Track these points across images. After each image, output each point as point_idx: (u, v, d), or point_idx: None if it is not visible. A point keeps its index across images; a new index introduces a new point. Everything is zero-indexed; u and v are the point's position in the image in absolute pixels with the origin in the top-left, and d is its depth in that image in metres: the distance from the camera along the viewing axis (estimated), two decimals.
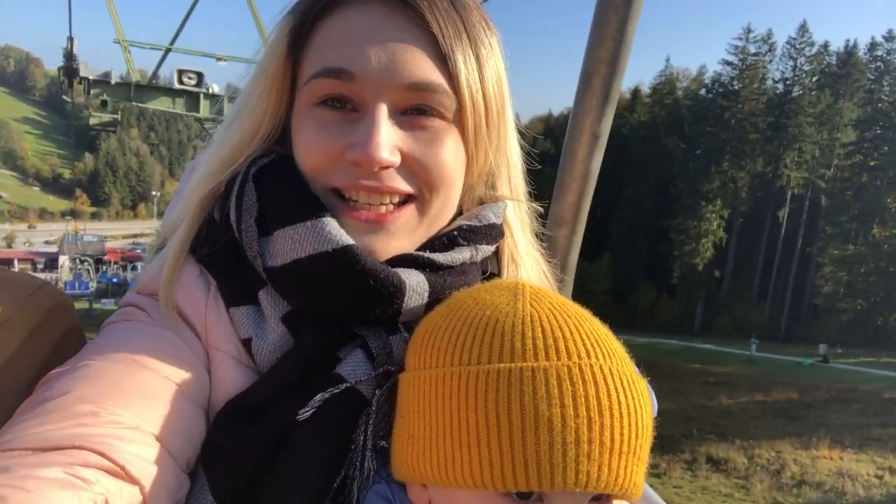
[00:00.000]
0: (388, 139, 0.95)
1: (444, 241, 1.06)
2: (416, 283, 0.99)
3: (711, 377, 45.39)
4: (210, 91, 26.28)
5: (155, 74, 27.53)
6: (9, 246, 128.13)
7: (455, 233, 1.07)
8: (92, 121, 28.27)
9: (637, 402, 0.78)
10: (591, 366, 0.77)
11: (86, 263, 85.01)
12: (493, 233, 1.11)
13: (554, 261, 1.29)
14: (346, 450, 0.93)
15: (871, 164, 65.10)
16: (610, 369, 0.78)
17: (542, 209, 1.26)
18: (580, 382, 0.75)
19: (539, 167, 1.25)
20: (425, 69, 0.96)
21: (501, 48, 1.08)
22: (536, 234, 1.27)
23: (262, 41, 1.11)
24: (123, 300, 1.08)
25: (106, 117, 27.50)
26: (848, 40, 76.94)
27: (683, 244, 71.61)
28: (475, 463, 0.75)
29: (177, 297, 1.02)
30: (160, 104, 27.30)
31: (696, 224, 71.02)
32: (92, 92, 25.37)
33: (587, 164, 1.89)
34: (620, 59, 1.71)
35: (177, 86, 26.23)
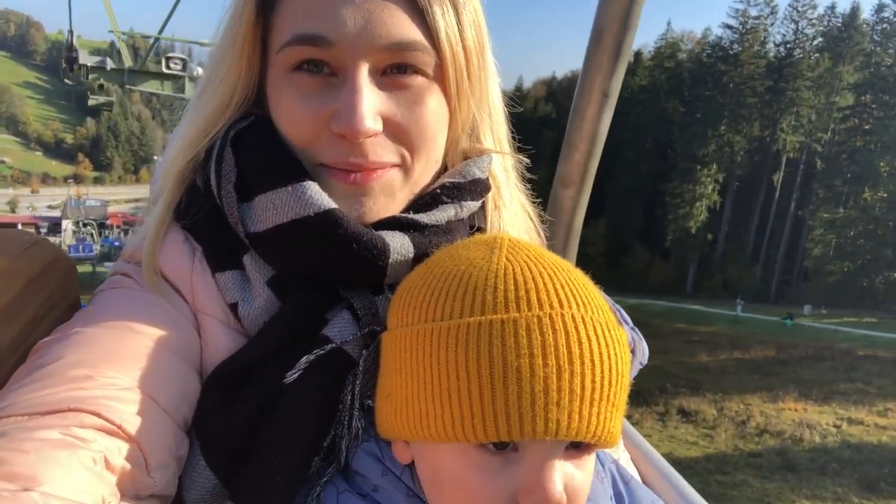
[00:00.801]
0: (371, 106, 0.94)
1: (427, 199, 1.05)
2: (399, 245, 0.98)
3: (695, 336, 46.65)
4: (195, 75, 30.06)
5: (145, 61, 31.87)
6: (12, 210, 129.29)
7: (438, 191, 1.06)
8: (90, 102, 33.23)
9: (611, 350, 0.78)
10: (562, 315, 0.77)
11: (89, 227, 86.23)
12: (479, 188, 1.10)
13: (536, 199, 1.30)
14: (335, 410, 0.94)
15: (866, 127, 65.36)
16: (582, 318, 0.78)
17: (527, 159, 1.25)
18: (550, 332, 0.75)
19: (519, 109, 1.24)
20: (403, 27, 0.93)
21: None
22: (529, 185, 1.28)
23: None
24: (112, 269, 1.09)
25: (102, 99, 32.44)
26: (854, 1, 76.40)
27: (678, 207, 72.31)
28: (447, 416, 0.76)
29: (162, 263, 1.02)
30: (150, 87, 31.35)
31: (691, 188, 71.61)
32: (90, 77, 28.59)
33: (596, 123, 1.85)
34: (632, 16, 1.68)
35: (165, 70, 30.12)
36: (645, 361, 1.08)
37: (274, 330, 0.96)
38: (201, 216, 1.04)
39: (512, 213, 1.19)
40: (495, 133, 1.16)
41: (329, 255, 0.95)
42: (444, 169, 1.11)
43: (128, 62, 30.25)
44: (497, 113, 1.15)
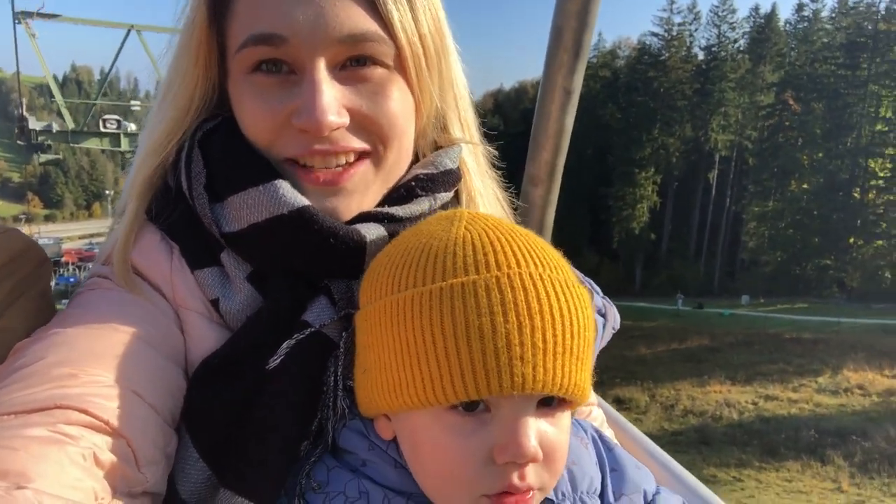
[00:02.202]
0: (333, 100, 0.93)
1: (402, 192, 1.06)
2: (376, 237, 0.99)
3: (637, 332, 48.91)
4: (128, 130, 35.93)
5: (86, 123, 37.10)
6: None
7: (413, 183, 1.07)
8: (40, 160, 38.72)
9: (571, 304, 0.80)
10: (519, 274, 0.78)
11: None
12: (451, 179, 1.11)
13: (508, 186, 1.32)
14: (320, 393, 0.95)
15: (787, 124, 69.33)
16: (540, 276, 0.79)
17: (494, 151, 1.27)
18: (508, 290, 0.76)
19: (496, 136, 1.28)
20: (357, 19, 0.93)
21: None
22: (499, 173, 1.29)
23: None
24: (89, 273, 1.08)
25: (51, 156, 37.98)
26: (775, 3, 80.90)
27: (621, 210, 75.38)
28: (418, 381, 0.77)
29: (140, 261, 1.02)
30: (91, 143, 37.34)
31: (631, 190, 74.78)
32: (39, 138, 32.31)
33: (560, 120, 1.88)
34: (590, 13, 1.71)
35: (103, 129, 35.61)
36: (617, 326, 1.13)
37: (257, 323, 0.97)
38: (175, 216, 1.04)
39: (486, 201, 1.22)
40: (464, 121, 1.17)
41: (306, 251, 0.97)
42: (415, 160, 1.13)
43: (70, 125, 35.39)
44: (463, 100, 1.16)
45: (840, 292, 60.47)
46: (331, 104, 0.93)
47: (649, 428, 30.47)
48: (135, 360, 0.88)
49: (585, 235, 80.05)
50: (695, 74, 77.07)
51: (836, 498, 23.72)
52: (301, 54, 0.94)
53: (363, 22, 0.94)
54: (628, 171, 75.18)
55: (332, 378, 0.95)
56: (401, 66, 1.00)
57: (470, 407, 0.79)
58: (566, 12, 1.73)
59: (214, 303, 1.00)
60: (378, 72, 0.98)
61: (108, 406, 0.79)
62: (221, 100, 1.07)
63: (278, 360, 0.93)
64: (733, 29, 79.79)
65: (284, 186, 0.96)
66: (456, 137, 1.15)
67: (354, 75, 0.97)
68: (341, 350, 0.96)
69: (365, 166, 1.02)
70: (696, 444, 27.99)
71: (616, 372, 37.39)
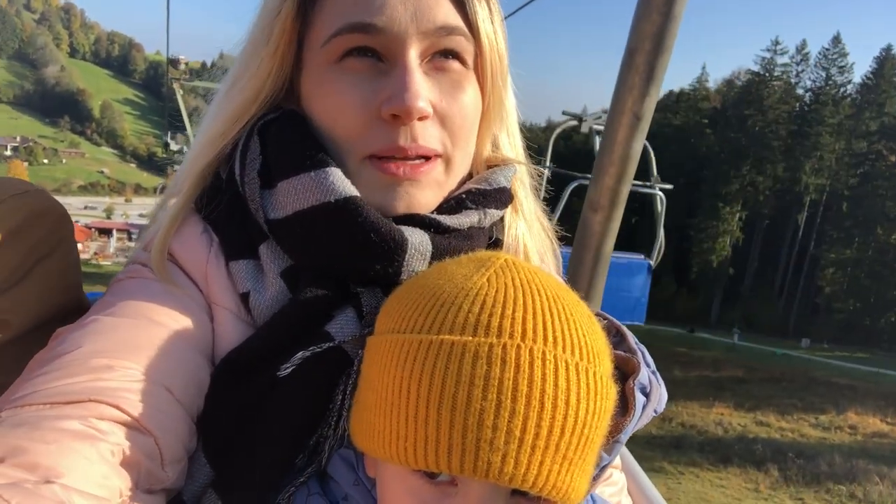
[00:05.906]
0: (423, 87, 0.94)
1: (452, 204, 1.04)
2: (418, 242, 0.96)
3: (684, 358, 51.37)
4: None
5: None
6: (108, 217, 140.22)
7: (464, 196, 1.04)
8: (174, 167, 49.97)
9: (573, 396, 0.69)
10: (518, 347, 0.68)
11: None
12: (503, 197, 1.09)
13: (553, 217, 1.26)
14: (326, 409, 0.92)
15: (878, 173, 69.03)
16: (544, 354, 0.69)
17: (542, 171, 1.28)
18: (498, 363, 0.67)
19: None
20: (448, 13, 0.96)
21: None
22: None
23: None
24: (131, 258, 1.07)
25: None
26: (893, 47, 79.76)
27: (702, 242, 77.31)
28: (385, 433, 0.72)
29: (179, 251, 1.01)
30: None
31: (714, 224, 76.53)
32: (175, 156, 42.26)
33: (627, 146, 1.80)
34: (667, 35, 1.63)
35: None
36: (661, 409, 0.99)
37: (279, 323, 0.95)
38: (222, 206, 1.03)
39: (531, 226, 1.20)
40: (513, 142, 1.18)
41: (346, 244, 0.94)
42: (468, 177, 1.12)
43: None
44: (514, 123, 1.17)
45: None
46: (421, 90, 0.93)
47: (638, 430, 34.22)
48: (169, 354, 0.88)
49: (668, 264, 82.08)
50: (793, 116, 77.56)
51: (749, 495, 26.41)
52: (394, 44, 0.94)
53: (454, 17, 0.96)
54: (713, 205, 76.89)
55: (340, 397, 0.92)
56: (478, 67, 1.02)
57: (434, 475, 0.72)
58: (641, 34, 1.70)
59: (245, 297, 0.98)
60: (458, 66, 0.99)
61: (140, 402, 0.79)
62: (286, 97, 1.07)
63: (290, 369, 0.91)
64: (842, 72, 79.47)
65: (336, 174, 0.94)
66: (508, 157, 1.16)
67: (438, 66, 0.98)
68: (354, 369, 0.91)
69: (438, 165, 1.01)
70: (667, 447, 30.87)
71: None
